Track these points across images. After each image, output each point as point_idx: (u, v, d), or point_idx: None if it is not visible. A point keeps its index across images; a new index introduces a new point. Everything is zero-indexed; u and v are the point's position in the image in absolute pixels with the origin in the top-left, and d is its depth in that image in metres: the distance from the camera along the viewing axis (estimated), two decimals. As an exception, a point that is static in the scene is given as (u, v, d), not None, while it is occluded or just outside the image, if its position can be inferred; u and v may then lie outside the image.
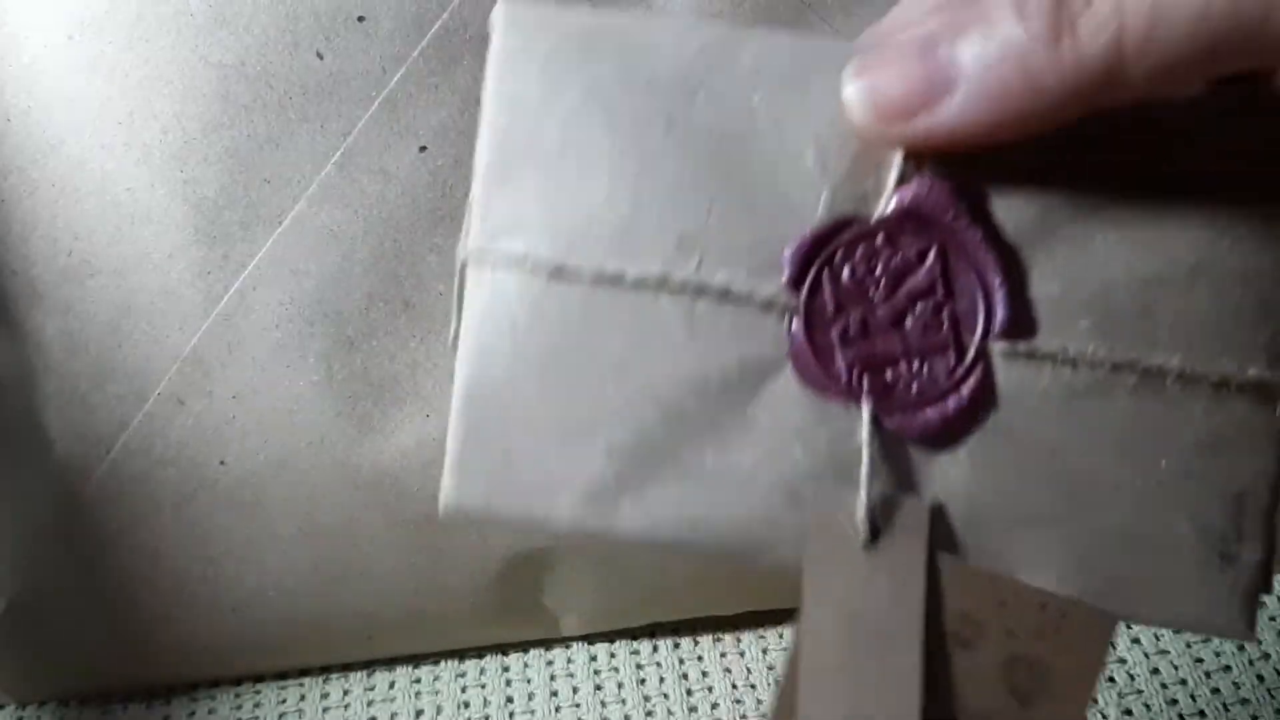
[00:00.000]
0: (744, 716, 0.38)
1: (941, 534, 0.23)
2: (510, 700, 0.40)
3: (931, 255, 0.23)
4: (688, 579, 0.40)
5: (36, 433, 0.37)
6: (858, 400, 0.23)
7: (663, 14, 0.24)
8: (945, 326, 0.23)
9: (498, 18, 0.23)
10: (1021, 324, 0.23)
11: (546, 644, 0.42)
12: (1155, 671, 0.40)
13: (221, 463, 0.38)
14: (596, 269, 0.23)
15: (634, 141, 0.23)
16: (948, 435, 0.23)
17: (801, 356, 0.23)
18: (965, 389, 0.23)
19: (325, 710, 0.40)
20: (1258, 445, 0.23)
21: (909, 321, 0.23)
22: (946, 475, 0.23)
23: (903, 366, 0.23)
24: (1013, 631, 0.23)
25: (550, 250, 0.23)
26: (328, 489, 0.38)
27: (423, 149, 0.37)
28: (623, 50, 0.23)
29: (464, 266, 0.24)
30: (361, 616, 0.40)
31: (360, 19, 0.35)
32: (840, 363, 0.23)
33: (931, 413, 0.23)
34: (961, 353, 0.23)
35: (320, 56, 0.36)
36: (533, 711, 0.39)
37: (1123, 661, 0.40)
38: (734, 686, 0.39)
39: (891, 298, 0.23)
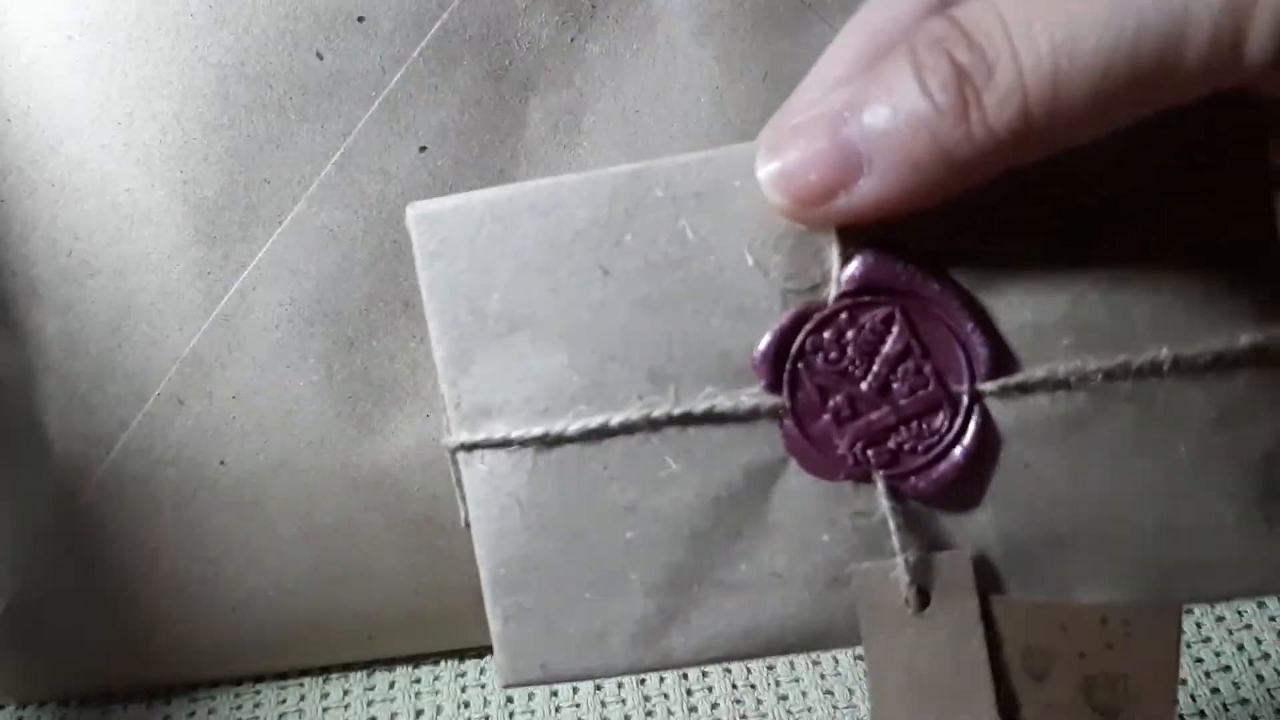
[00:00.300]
0: (744, 716, 0.38)
1: (987, 578, 0.23)
2: (510, 700, 0.40)
3: (897, 320, 0.23)
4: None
5: (37, 433, 0.37)
6: (869, 476, 0.23)
7: (565, 173, 0.24)
8: (931, 383, 0.23)
9: (411, 221, 0.24)
10: (1004, 360, 0.23)
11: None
12: (1155, 671, 0.40)
13: (221, 463, 0.38)
14: (580, 428, 0.23)
15: (577, 298, 0.23)
16: (964, 485, 0.23)
17: (801, 451, 0.23)
18: (968, 437, 0.23)
19: (325, 710, 0.40)
20: (1272, 406, 0.23)
21: (895, 388, 0.23)
22: (975, 523, 0.23)
23: (902, 432, 0.23)
24: (1082, 653, 0.23)
25: (531, 424, 0.23)
26: (328, 489, 0.38)
27: (423, 149, 0.37)
28: (538, 215, 0.23)
29: (454, 455, 0.24)
30: (361, 616, 0.40)
31: (360, 19, 0.35)
32: (841, 446, 0.23)
33: (943, 468, 0.23)
34: (955, 404, 0.23)
35: (320, 57, 0.36)
36: (533, 712, 0.39)
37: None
38: (734, 686, 0.39)
39: (871, 371, 0.23)
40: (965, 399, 0.23)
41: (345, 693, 0.41)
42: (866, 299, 0.23)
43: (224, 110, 0.36)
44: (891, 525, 0.23)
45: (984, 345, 0.23)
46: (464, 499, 0.25)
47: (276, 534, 0.38)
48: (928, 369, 0.23)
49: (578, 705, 0.39)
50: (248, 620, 0.39)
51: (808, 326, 0.23)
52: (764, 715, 0.38)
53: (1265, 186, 0.22)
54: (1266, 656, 0.40)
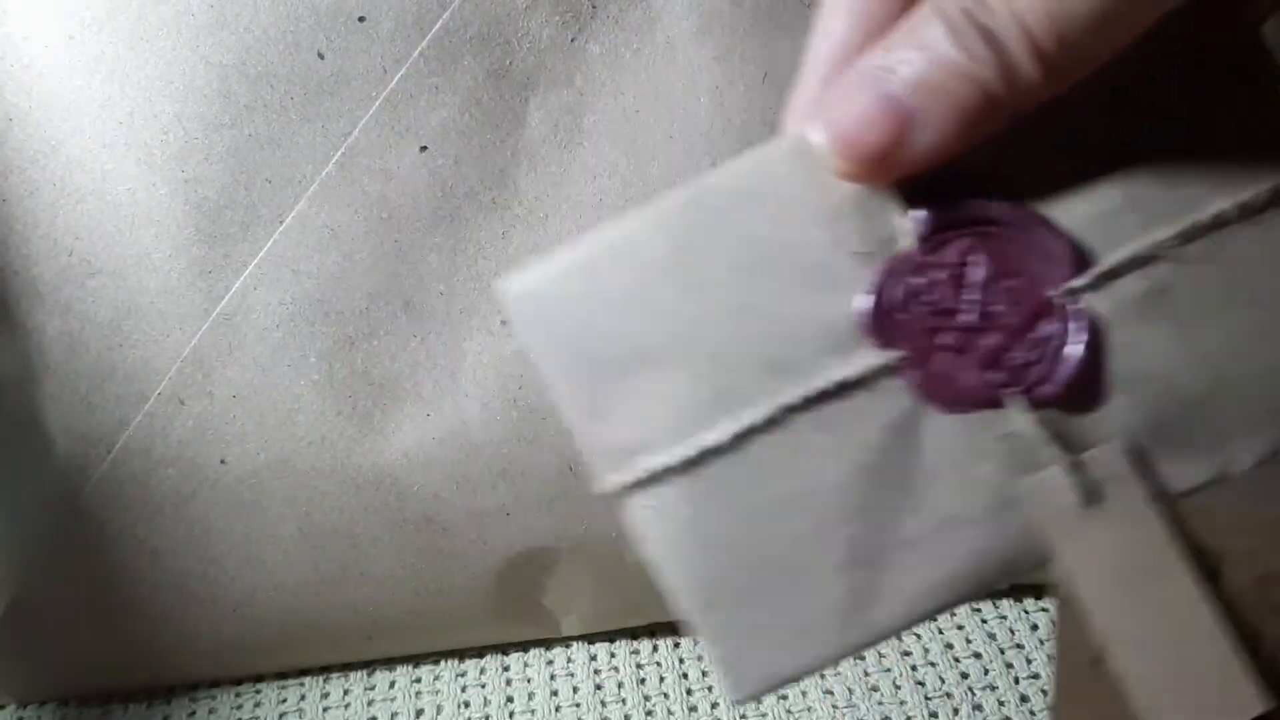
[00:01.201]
0: (743, 716, 0.39)
1: (1145, 462, 0.24)
2: (510, 700, 0.40)
3: (975, 249, 0.24)
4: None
5: (37, 433, 0.37)
6: (999, 399, 0.24)
7: (626, 215, 0.25)
8: (1026, 297, 0.24)
9: (507, 299, 0.25)
10: (1084, 254, 0.24)
11: (547, 644, 0.42)
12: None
13: (222, 462, 0.38)
14: (721, 437, 0.24)
15: (677, 320, 0.24)
16: (1089, 381, 0.24)
17: (930, 394, 0.24)
18: (1078, 336, 0.24)
19: (325, 710, 0.40)
20: None
21: (995, 311, 0.24)
22: (1114, 412, 0.24)
23: (1015, 349, 0.24)
24: (1254, 551, 0.24)
25: (675, 449, 0.24)
26: (328, 489, 0.38)
27: (424, 149, 0.37)
28: (618, 260, 0.24)
29: (613, 500, 0.24)
30: (361, 616, 0.40)
31: (361, 19, 0.35)
32: (965, 378, 0.24)
33: (1064, 370, 0.24)
34: (1053, 308, 0.24)
35: (321, 56, 0.36)
36: (533, 711, 0.39)
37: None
38: None
39: (968, 301, 0.24)
40: (1061, 300, 0.24)
41: (345, 692, 0.41)
42: (941, 238, 0.24)
43: (225, 110, 0.36)
44: (1039, 436, 0.23)
45: (1062, 247, 0.24)
46: (636, 542, 0.25)
47: (277, 534, 0.38)
48: (1018, 284, 0.24)
49: (578, 705, 0.39)
50: (248, 619, 0.39)
51: (897, 278, 0.24)
52: (764, 715, 0.38)
53: (1262, 54, 0.25)
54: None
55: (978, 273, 0.24)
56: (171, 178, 0.36)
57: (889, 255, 0.24)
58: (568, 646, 0.42)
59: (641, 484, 0.24)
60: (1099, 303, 0.24)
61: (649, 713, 0.38)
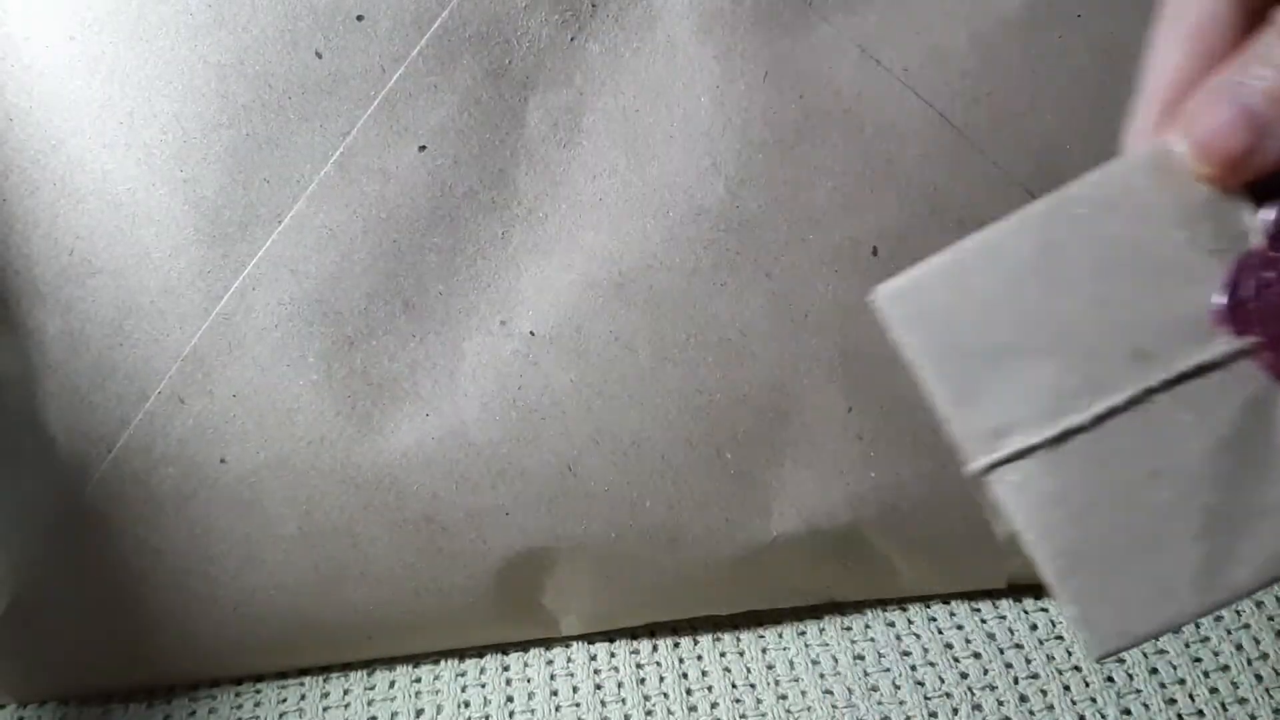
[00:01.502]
0: (744, 716, 0.38)
1: None
2: (510, 700, 0.40)
3: None
4: (687, 579, 0.40)
5: (38, 431, 0.38)
6: None
7: (988, 226, 0.28)
8: None
9: (883, 300, 0.28)
10: None
11: (546, 644, 0.42)
12: (1154, 671, 0.40)
13: (222, 461, 0.38)
14: (1088, 417, 0.27)
15: (1044, 316, 0.27)
16: None
17: None
18: None
19: (325, 710, 0.40)
20: None
21: None
22: None
23: None
24: None
25: (1043, 428, 0.27)
26: (327, 488, 0.38)
27: (422, 148, 0.37)
28: (987, 264, 0.27)
29: (982, 478, 0.28)
30: (361, 615, 0.40)
31: (359, 18, 0.35)
32: None
33: None
34: None
35: (319, 56, 0.36)
36: (533, 711, 0.39)
37: (1121, 661, 0.40)
38: (734, 686, 0.39)
39: None
40: None
41: (345, 692, 0.41)
42: None
43: (223, 110, 0.36)
44: None
45: None
46: (1001, 514, 0.28)
47: (277, 533, 0.38)
48: None
49: (577, 705, 0.38)
50: (248, 618, 0.39)
51: (1248, 272, 0.27)
52: (763, 715, 0.38)
53: None
54: (1265, 656, 0.40)
55: None
56: (170, 177, 0.36)
57: (1240, 251, 0.26)
58: (567, 646, 0.42)
59: (1008, 460, 0.27)
60: None
61: (649, 712, 0.38)
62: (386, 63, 0.36)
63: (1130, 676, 0.39)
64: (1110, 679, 0.39)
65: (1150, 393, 0.27)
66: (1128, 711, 0.39)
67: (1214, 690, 0.39)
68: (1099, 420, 0.27)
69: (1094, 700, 0.39)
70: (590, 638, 0.42)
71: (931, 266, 0.28)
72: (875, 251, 0.38)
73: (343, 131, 0.36)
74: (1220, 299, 0.26)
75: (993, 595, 0.42)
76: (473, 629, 0.41)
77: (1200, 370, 0.27)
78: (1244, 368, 0.27)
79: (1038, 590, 0.42)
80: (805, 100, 0.38)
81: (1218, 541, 0.26)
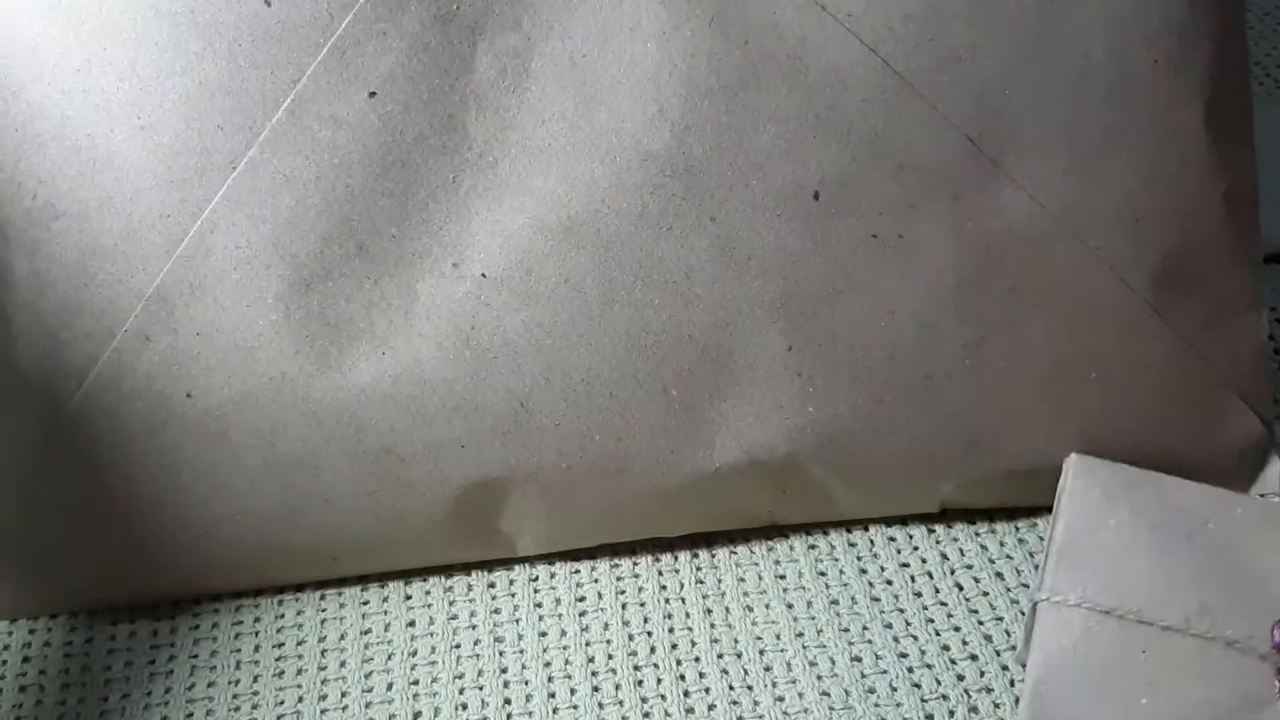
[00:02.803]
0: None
1: None
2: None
3: None
4: (634, 506, 0.42)
5: (10, 366, 0.39)
6: None
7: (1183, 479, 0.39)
8: None
9: (1071, 465, 0.40)
10: None
11: (506, 563, 0.44)
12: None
13: (188, 396, 0.39)
14: (1137, 613, 0.35)
15: (1161, 542, 0.37)
16: None
17: None
18: None
19: (325, 627, 0.42)
20: None
21: None
22: None
23: None
24: None
25: (1102, 599, 0.35)
26: (289, 422, 0.40)
27: (372, 95, 0.38)
28: (1155, 490, 0.38)
29: (1036, 605, 0.37)
30: (326, 540, 0.42)
31: (305, -30, 0.36)
32: None
33: None
34: None
35: (268, 4, 0.36)
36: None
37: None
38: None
39: None
40: None
41: (341, 606, 0.43)
42: None
43: (176, 58, 0.36)
44: None
45: None
46: (1028, 636, 0.37)
47: (242, 463, 0.40)
48: None
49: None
50: (218, 542, 0.41)
51: None
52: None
53: None
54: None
55: None
56: (128, 124, 0.37)
57: None
58: (510, 569, 0.44)
59: (1062, 603, 0.36)
60: None
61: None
62: (335, 9, 0.37)
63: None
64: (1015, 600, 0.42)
65: (1190, 633, 0.35)
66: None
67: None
68: (1144, 622, 0.35)
69: (1000, 619, 0.41)
70: (547, 558, 0.44)
71: (1119, 468, 0.39)
72: (817, 196, 0.40)
73: (293, 79, 0.37)
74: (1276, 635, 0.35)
75: (927, 520, 0.44)
76: (434, 550, 0.43)
77: (1234, 645, 0.34)
78: (1263, 669, 0.34)
79: (970, 515, 0.44)
80: (750, 46, 0.39)
81: None
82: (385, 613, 0.42)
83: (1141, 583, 0.36)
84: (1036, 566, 0.42)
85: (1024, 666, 0.37)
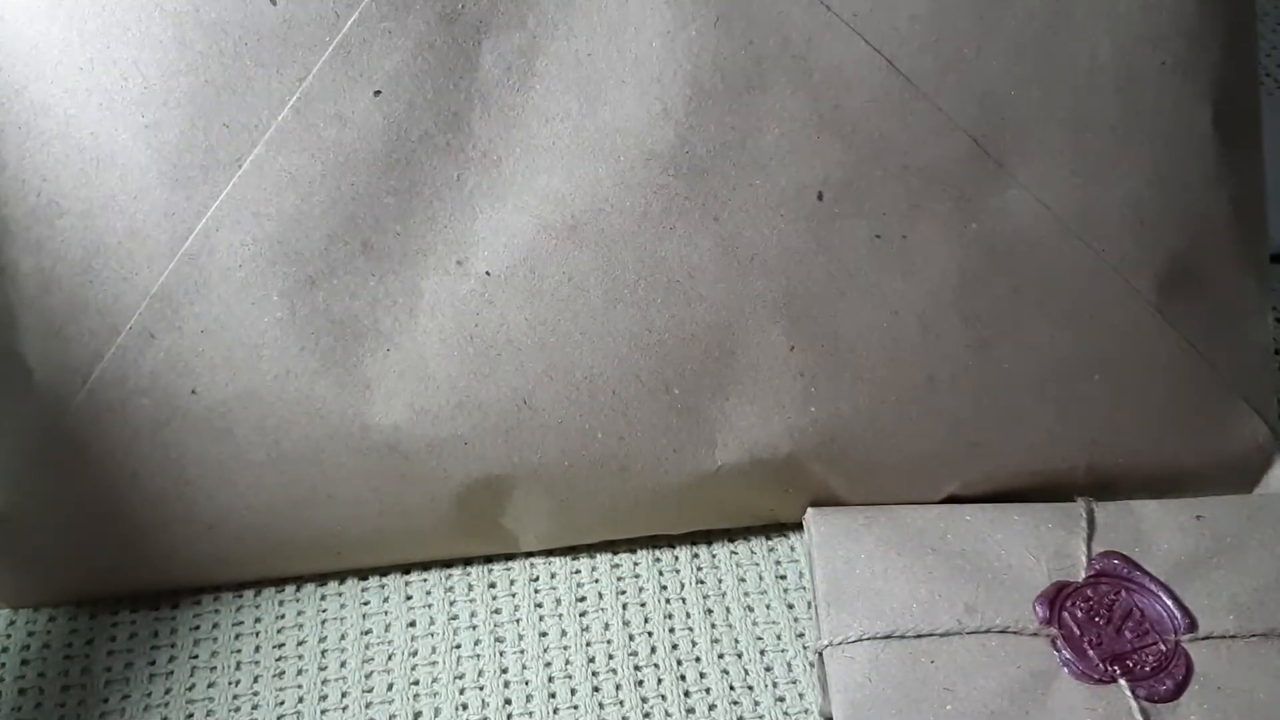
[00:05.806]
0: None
1: None
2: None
3: (1121, 595, 0.38)
4: (636, 504, 0.42)
5: (15, 362, 0.39)
6: (1115, 680, 0.36)
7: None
8: (1149, 632, 0.37)
9: (810, 520, 0.42)
10: (1191, 623, 0.37)
11: (507, 564, 0.44)
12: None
13: (193, 392, 0.40)
14: (913, 630, 0.37)
15: (911, 563, 0.39)
16: (1179, 693, 0.36)
17: (1071, 664, 0.37)
18: (1177, 666, 0.36)
19: (323, 621, 0.42)
20: None
21: (1126, 632, 0.37)
22: (1189, 716, 0.36)
23: (1135, 657, 0.37)
24: None
25: (878, 627, 0.37)
26: (294, 418, 0.40)
27: (377, 93, 0.38)
28: (890, 518, 0.41)
29: (821, 655, 0.38)
30: (330, 534, 0.42)
31: (309, -30, 0.36)
32: (1094, 662, 0.37)
33: (1165, 680, 0.36)
34: (1165, 644, 0.37)
35: (273, 2, 0.36)
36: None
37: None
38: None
39: (1110, 620, 0.38)
40: (1173, 643, 0.37)
41: (342, 605, 0.43)
42: (1101, 581, 0.39)
43: (181, 56, 0.36)
44: (1135, 711, 0.35)
45: (1179, 615, 0.37)
46: (824, 687, 0.38)
47: (247, 459, 0.40)
48: (1146, 624, 0.38)
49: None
50: (223, 536, 0.42)
51: (1065, 591, 0.38)
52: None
53: None
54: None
55: (1121, 609, 0.38)
56: (132, 123, 0.37)
57: (1066, 576, 0.38)
58: (508, 567, 0.44)
59: (845, 643, 0.37)
60: (1196, 651, 0.37)
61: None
62: (340, 8, 0.37)
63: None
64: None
65: (965, 632, 0.37)
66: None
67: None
68: (923, 635, 0.37)
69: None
70: (548, 558, 0.44)
71: (853, 511, 0.41)
72: (820, 196, 0.39)
73: (299, 77, 0.37)
74: (1041, 598, 0.38)
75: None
76: (437, 545, 0.44)
77: (1009, 633, 0.37)
78: (1041, 645, 0.37)
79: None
80: (755, 46, 0.39)
81: None
82: (385, 613, 0.43)
83: (908, 602, 0.38)
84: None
85: (826, 719, 0.39)
